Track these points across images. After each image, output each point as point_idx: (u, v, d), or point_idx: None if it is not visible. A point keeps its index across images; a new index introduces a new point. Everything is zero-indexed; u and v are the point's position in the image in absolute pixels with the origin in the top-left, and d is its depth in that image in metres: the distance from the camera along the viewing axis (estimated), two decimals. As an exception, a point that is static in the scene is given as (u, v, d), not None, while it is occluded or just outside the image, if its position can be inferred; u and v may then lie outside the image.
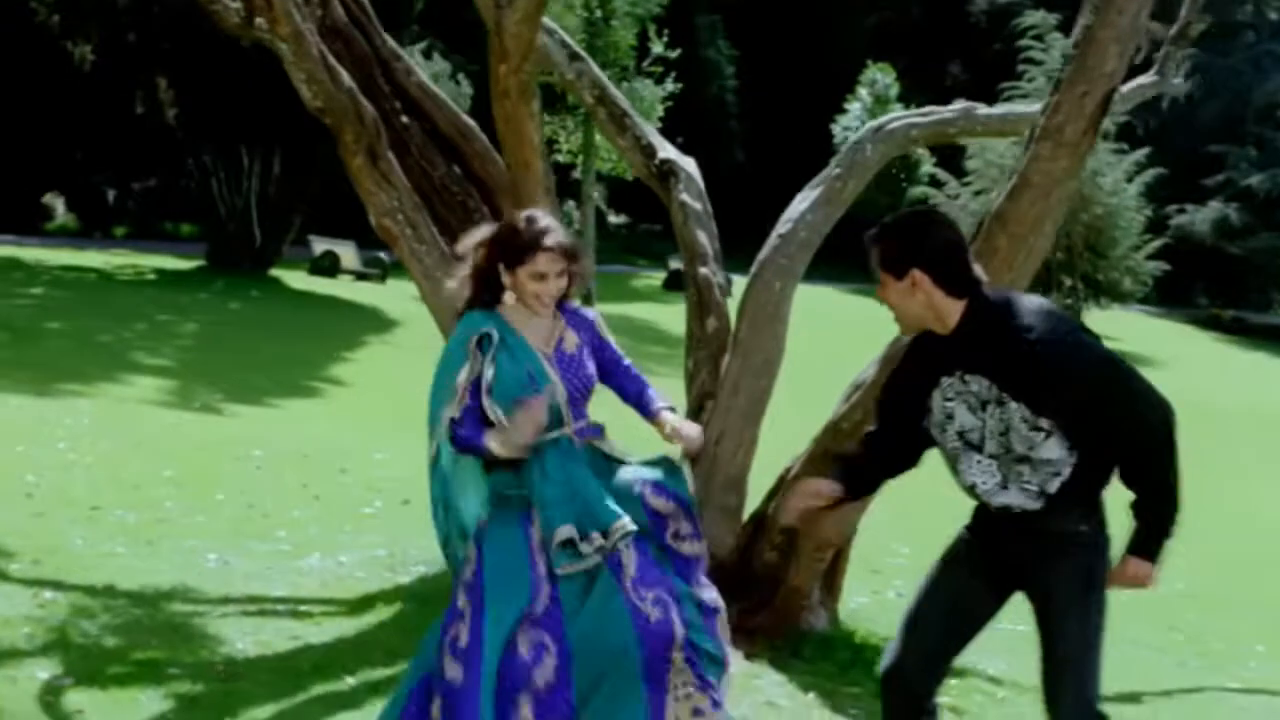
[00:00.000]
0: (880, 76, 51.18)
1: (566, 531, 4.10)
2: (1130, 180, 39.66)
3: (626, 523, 4.10)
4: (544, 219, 4.27)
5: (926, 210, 4.15)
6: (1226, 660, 7.86)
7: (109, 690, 5.43)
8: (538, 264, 4.18)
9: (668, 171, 7.96)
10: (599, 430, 4.39)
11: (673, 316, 18.64)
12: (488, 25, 6.11)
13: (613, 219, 56.97)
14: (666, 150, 8.11)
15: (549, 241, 4.19)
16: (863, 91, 50.93)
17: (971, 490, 3.93)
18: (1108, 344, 3.85)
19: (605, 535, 4.08)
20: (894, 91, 50.06)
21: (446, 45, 38.37)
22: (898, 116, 8.02)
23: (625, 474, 4.28)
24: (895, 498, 12.48)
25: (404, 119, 7.21)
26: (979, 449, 3.85)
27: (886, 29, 58.85)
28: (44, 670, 5.51)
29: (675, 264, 35.99)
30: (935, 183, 43.65)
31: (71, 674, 5.56)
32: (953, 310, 3.86)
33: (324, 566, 7.60)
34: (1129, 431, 3.76)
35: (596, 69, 8.36)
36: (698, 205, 7.86)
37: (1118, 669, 7.40)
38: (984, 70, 49.25)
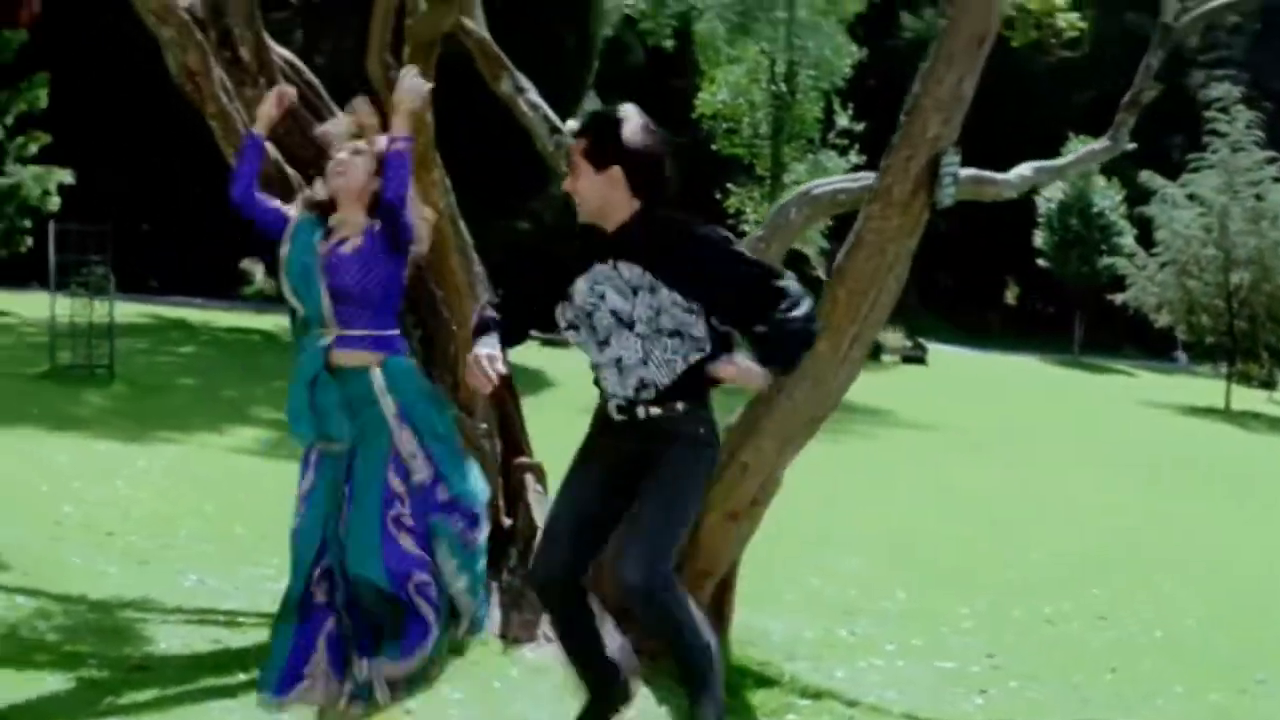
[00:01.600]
0: (1082, 149, 50.71)
1: None
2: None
3: None
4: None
5: (644, 120, 4.61)
6: (1137, 700, 7.88)
7: (25, 673, 6.22)
8: None
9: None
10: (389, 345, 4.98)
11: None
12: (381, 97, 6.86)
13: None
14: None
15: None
16: (1066, 165, 50.52)
17: (616, 365, 4.52)
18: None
19: None
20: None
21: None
22: (826, 182, 8.54)
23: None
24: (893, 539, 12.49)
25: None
26: (630, 327, 4.48)
27: (1102, 103, 58.15)
28: (-20, 659, 6.31)
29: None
30: (1127, 254, 43.84)
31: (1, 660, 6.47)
32: (624, 210, 4.50)
33: (289, 589, 8.37)
34: (780, 287, 4.45)
35: (569, 135, 9.05)
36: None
37: (1007, 703, 7.69)
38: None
